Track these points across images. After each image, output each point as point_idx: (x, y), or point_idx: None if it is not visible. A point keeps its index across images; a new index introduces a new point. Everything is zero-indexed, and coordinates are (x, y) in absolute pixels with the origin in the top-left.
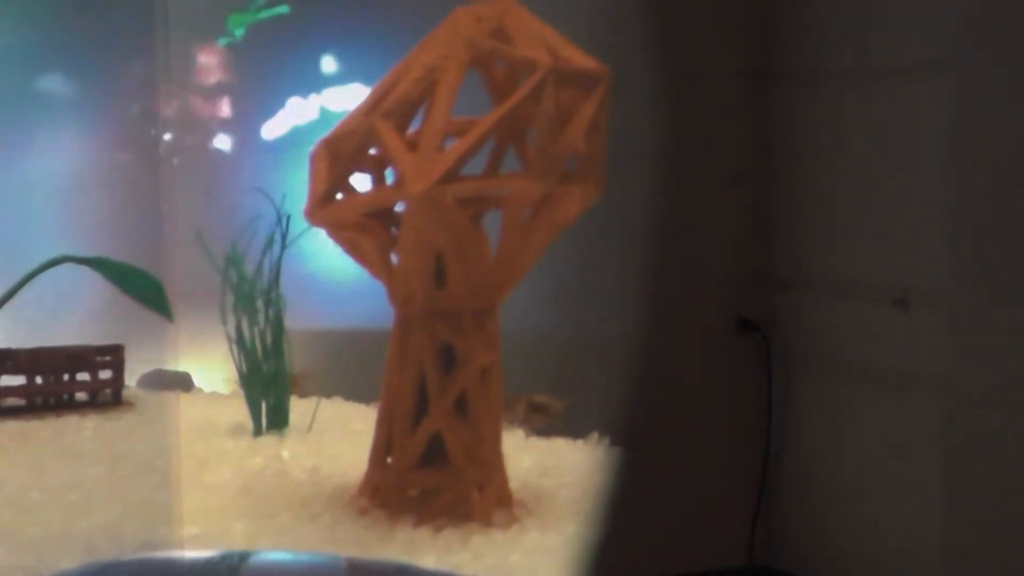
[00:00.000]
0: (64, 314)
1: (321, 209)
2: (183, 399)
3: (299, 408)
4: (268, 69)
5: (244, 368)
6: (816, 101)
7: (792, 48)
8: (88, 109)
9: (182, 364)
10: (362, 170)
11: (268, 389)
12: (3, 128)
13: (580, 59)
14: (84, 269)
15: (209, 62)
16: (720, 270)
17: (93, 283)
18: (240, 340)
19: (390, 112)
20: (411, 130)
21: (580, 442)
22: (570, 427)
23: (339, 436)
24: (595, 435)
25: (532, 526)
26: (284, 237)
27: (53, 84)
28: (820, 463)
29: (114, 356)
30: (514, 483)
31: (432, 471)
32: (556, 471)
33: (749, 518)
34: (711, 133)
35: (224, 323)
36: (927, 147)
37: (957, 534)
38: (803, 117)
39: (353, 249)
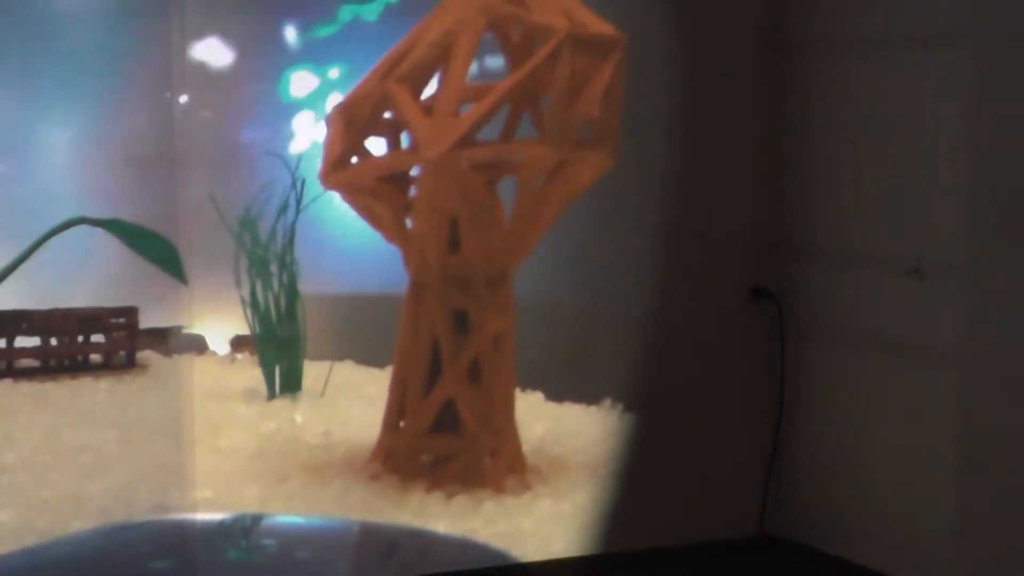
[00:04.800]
0: (79, 276)
1: (335, 173)
2: (196, 362)
3: (312, 372)
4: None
5: (258, 331)
6: (832, 70)
7: (808, 16)
8: (103, 71)
9: (196, 327)
10: (377, 134)
11: (282, 353)
12: (18, 90)
13: (596, 24)
14: (99, 231)
15: (226, 25)
16: (734, 238)
17: (108, 245)
18: (254, 303)
19: (405, 77)
20: (426, 95)
21: (593, 408)
22: (583, 393)
23: (352, 400)
24: (608, 401)
25: (544, 493)
26: (299, 201)
27: (68, 46)
28: (832, 433)
29: (128, 318)
30: (527, 449)
31: (445, 437)
32: (569, 437)
33: (760, 487)
34: (726, 101)
35: (238, 286)
36: (944, 116)
37: (968, 505)
38: (819, 86)
39: (367, 213)
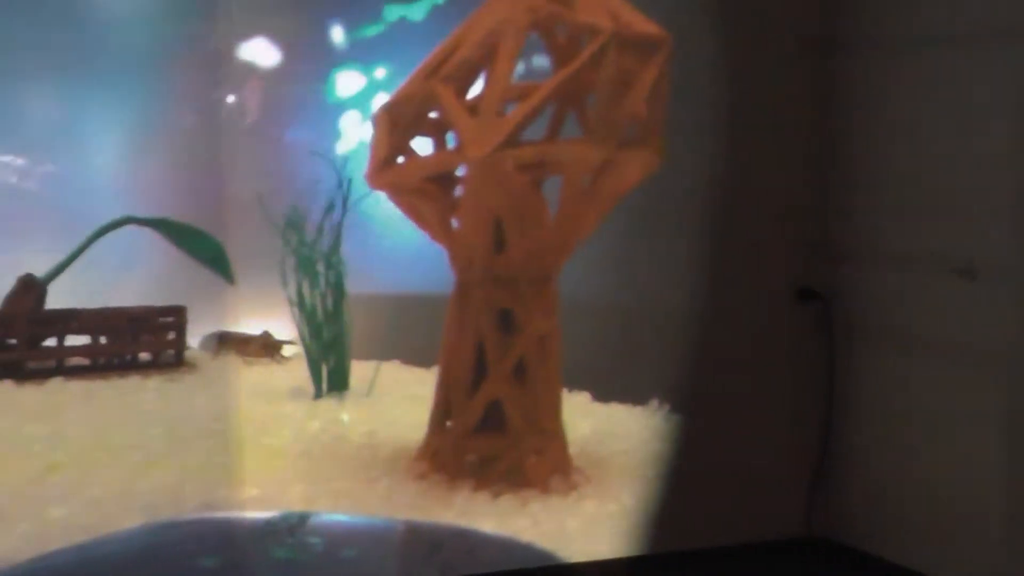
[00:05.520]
0: (127, 275)
1: (382, 173)
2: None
3: (358, 372)
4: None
5: (305, 331)
6: (880, 68)
7: (855, 14)
8: (151, 72)
9: (243, 326)
10: (423, 134)
11: (328, 352)
12: (67, 91)
13: (642, 24)
14: (147, 230)
15: (273, 26)
16: (781, 238)
17: (156, 244)
18: (300, 303)
19: (451, 76)
20: (472, 94)
21: (639, 409)
22: (630, 394)
23: (398, 400)
24: (654, 402)
25: (590, 493)
26: (345, 200)
27: (117, 47)
28: (880, 435)
29: (176, 317)
30: (573, 449)
31: (490, 437)
32: (615, 438)
33: (808, 489)
34: (773, 101)
35: (285, 286)
36: (994, 115)
37: (1019, 508)
38: (867, 84)
39: (413, 213)
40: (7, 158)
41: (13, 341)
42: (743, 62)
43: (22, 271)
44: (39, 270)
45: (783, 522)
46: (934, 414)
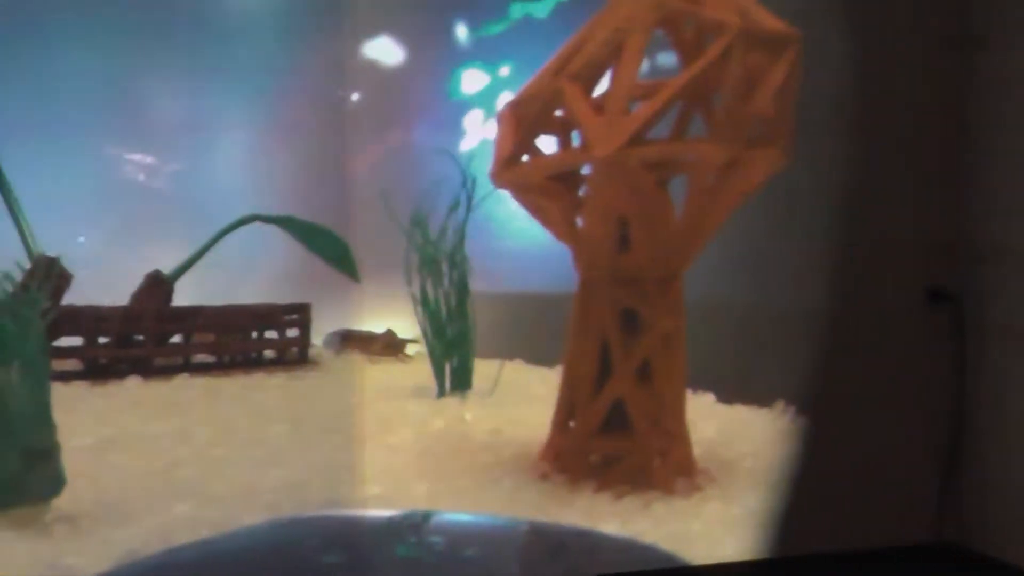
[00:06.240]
0: (252, 272)
1: (506, 171)
2: (367, 359)
3: (482, 371)
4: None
5: (428, 330)
6: (1016, 66)
7: (991, 11)
8: (275, 70)
9: (367, 324)
10: (548, 132)
11: (451, 351)
12: (193, 90)
13: (770, 21)
14: (272, 228)
15: (397, 24)
16: (912, 238)
17: (281, 242)
18: (424, 301)
19: (577, 74)
20: (597, 92)
21: (765, 411)
22: (755, 396)
23: (521, 399)
24: (780, 404)
25: (714, 495)
26: (469, 199)
27: (242, 46)
28: (1014, 439)
29: (301, 315)
30: (697, 451)
31: (614, 437)
32: (740, 440)
33: (938, 494)
34: (904, 98)
35: (409, 284)
36: None
37: None
38: (1001, 82)
39: (538, 212)
40: (136, 156)
41: (141, 337)
42: (875, 58)
43: (150, 268)
44: (166, 267)
45: (912, 527)
46: None
